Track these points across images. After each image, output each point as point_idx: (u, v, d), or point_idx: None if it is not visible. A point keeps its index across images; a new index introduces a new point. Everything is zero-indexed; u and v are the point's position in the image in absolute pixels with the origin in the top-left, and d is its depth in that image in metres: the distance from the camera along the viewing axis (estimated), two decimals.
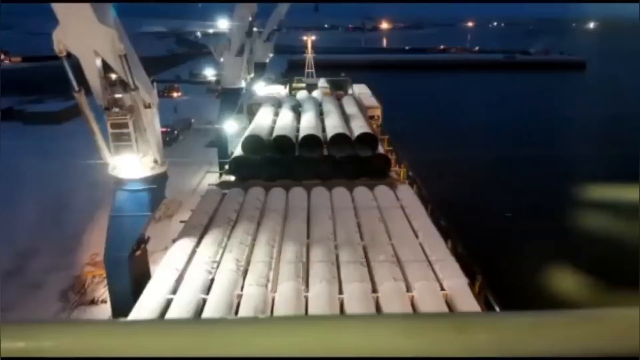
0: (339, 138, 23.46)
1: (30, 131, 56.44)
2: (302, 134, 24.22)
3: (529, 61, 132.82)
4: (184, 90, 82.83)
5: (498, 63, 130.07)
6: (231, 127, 32.84)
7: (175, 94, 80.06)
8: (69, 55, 12.93)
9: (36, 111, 63.32)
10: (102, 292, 22.49)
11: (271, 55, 46.01)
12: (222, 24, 36.59)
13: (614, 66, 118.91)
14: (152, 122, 14.62)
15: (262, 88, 43.61)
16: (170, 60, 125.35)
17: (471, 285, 13.98)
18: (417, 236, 16.95)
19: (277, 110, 30.96)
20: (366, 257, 15.33)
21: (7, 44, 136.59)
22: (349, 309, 12.72)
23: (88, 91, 14.07)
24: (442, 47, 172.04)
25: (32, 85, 78.78)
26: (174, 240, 17.25)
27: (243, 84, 34.40)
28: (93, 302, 22.56)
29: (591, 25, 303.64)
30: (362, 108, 35.20)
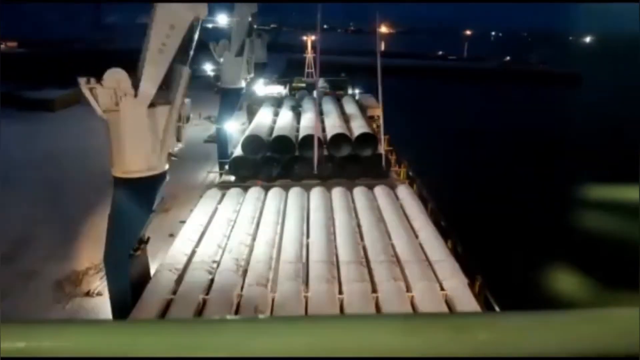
0: (339, 138, 23.48)
1: (25, 118, 55.62)
2: (302, 134, 24.24)
3: (524, 71, 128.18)
4: None
5: (492, 72, 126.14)
6: (231, 126, 32.84)
7: None
8: None
9: (32, 98, 62.91)
10: (98, 284, 22.49)
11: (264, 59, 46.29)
12: (222, 19, 36.46)
13: (608, 80, 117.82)
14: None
15: (262, 88, 43.60)
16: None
17: (471, 285, 14.00)
18: (417, 236, 16.96)
19: (277, 110, 31.00)
20: (366, 257, 15.34)
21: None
22: (349, 309, 12.73)
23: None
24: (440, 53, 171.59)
25: (29, 71, 78.50)
26: (172, 236, 17.25)
27: (243, 84, 34.39)
28: (88, 294, 22.54)
29: (587, 39, 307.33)
30: (362, 108, 35.23)
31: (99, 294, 21.78)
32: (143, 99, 14.38)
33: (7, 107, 58.57)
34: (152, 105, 14.65)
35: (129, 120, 14.40)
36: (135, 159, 14.83)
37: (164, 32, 14.03)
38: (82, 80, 14.09)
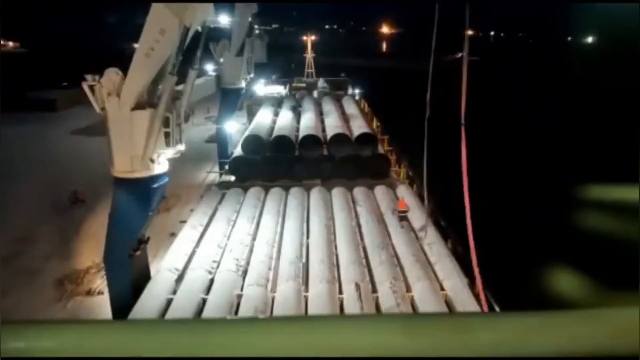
0: (339, 138, 23.47)
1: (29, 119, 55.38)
2: (302, 134, 24.23)
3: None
4: None
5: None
6: (231, 127, 32.84)
7: None
8: None
9: (34, 98, 63.04)
10: (99, 283, 22.45)
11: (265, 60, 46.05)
12: (223, 19, 36.35)
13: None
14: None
15: (262, 88, 43.53)
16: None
17: (471, 285, 14.00)
18: (417, 236, 16.97)
19: (277, 110, 31.00)
20: (366, 257, 15.34)
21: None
22: (349, 309, 12.73)
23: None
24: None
25: (32, 72, 78.97)
26: (172, 235, 17.23)
27: (243, 84, 34.38)
28: (89, 293, 22.49)
29: (589, 39, 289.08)
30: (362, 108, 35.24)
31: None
32: (125, 101, 14.12)
33: (10, 108, 58.46)
34: (152, 105, 14.53)
35: (112, 121, 14.23)
36: (120, 159, 14.58)
37: (153, 36, 13.38)
38: (88, 77, 14.02)
